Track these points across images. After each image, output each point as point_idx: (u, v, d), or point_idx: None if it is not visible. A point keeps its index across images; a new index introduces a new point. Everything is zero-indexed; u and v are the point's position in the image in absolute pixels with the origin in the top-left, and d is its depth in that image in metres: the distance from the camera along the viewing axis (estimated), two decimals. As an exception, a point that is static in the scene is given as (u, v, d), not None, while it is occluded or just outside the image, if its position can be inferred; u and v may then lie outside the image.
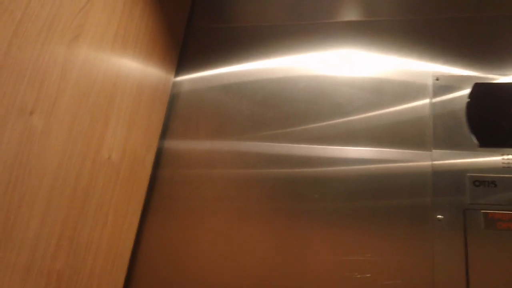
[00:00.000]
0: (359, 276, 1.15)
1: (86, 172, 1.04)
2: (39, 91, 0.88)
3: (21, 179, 0.85)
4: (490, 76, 1.26)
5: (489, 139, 1.19)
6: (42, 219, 0.91)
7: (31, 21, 0.85)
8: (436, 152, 1.22)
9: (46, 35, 0.89)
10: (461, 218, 1.13)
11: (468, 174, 1.16)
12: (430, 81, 1.30)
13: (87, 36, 1.02)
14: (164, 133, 1.44)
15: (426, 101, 1.28)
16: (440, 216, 1.14)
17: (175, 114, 1.47)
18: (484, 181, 1.14)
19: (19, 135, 0.83)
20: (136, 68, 1.24)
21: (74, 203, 1.01)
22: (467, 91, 1.26)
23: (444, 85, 1.28)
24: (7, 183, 0.82)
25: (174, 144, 1.43)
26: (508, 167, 1.15)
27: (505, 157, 1.16)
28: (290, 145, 1.33)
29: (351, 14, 1.47)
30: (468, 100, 1.24)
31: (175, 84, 1.51)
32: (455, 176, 1.18)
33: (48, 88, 0.90)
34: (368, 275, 1.15)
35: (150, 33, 1.31)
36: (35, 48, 0.86)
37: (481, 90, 1.25)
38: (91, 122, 1.05)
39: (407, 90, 1.31)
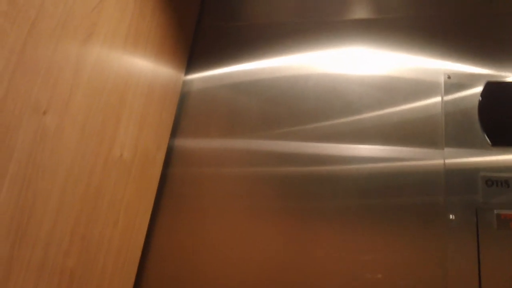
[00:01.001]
0: (370, 276, 1.15)
1: (98, 170, 1.05)
2: (53, 90, 0.88)
3: (34, 178, 0.85)
4: (503, 74, 1.25)
5: (502, 138, 1.18)
6: (55, 217, 0.92)
7: (45, 20, 0.85)
8: (448, 150, 1.21)
9: (60, 34, 0.89)
10: (474, 218, 1.12)
11: (480, 174, 1.16)
12: (441, 79, 1.29)
13: (100, 35, 1.02)
14: (175, 131, 1.45)
15: (438, 99, 1.28)
16: (452, 216, 1.14)
17: (186, 112, 1.47)
18: (496, 181, 1.13)
19: (33, 134, 0.84)
20: (147, 66, 1.24)
21: (86, 201, 1.01)
22: (479, 89, 1.25)
23: (455, 83, 1.27)
24: (21, 182, 0.82)
25: (185, 143, 1.43)
26: (521, 167, 1.14)
27: (518, 156, 1.16)
28: (300, 143, 1.33)
29: (361, 12, 1.47)
30: (480, 98, 1.23)
31: (185, 83, 1.51)
32: (468, 175, 1.17)
33: (62, 87, 0.91)
34: (379, 276, 1.15)
35: (161, 31, 1.31)
36: (49, 47, 0.87)
37: (493, 89, 1.24)
38: (103, 120, 1.06)
39: (418, 88, 1.31)
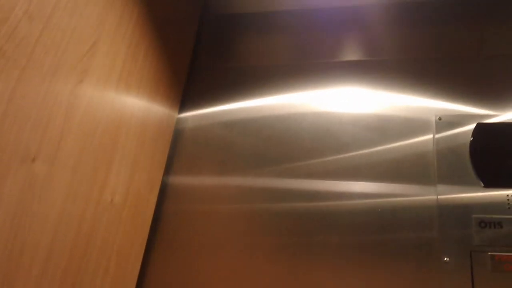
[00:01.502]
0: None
1: (88, 216, 1.04)
2: (42, 137, 0.88)
3: (22, 227, 0.84)
4: (493, 113, 1.26)
5: (494, 179, 1.18)
6: (44, 266, 0.90)
7: (35, 68, 0.85)
8: (441, 186, 1.21)
9: (50, 80, 0.89)
10: (468, 260, 1.11)
11: (473, 216, 1.15)
12: (433, 119, 1.30)
13: (91, 81, 1.02)
14: (168, 169, 1.44)
15: (430, 136, 1.28)
16: (447, 259, 1.13)
17: (179, 150, 1.47)
18: (489, 222, 1.13)
19: (21, 182, 0.83)
20: (139, 107, 1.24)
21: (76, 249, 1.00)
22: (470, 127, 1.26)
23: (447, 122, 1.28)
24: (8, 232, 0.81)
25: (178, 181, 1.42)
26: (514, 207, 1.14)
27: (510, 196, 1.15)
28: (294, 180, 1.33)
29: (354, 54, 1.49)
30: (471, 138, 1.24)
31: (179, 121, 1.52)
32: (460, 214, 1.17)
33: (52, 133, 0.90)
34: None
35: (154, 73, 1.32)
36: (38, 94, 0.87)
37: (483, 130, 1.25)
38: (94, 164, 1.05)
39: (410, 127, 1.32)
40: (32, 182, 0.86)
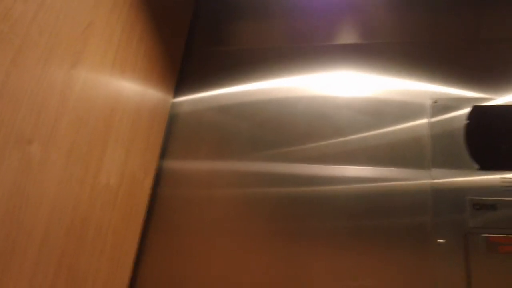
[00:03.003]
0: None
1: (84, 198, 1.04)
2: (37, 119, 0.87)
3: (18, 208, 0.84)
4: (488, 97, 1.26)
5: (488, 161, 1.19)
6: (40, 248, 0.90)
7: (29, 49, 0.85)
8: (435, 170, 1.22)
9: (45, 62, 0.89)
10: (463, 242, 1.12)
11: (468, 198, 1.16)
12: (428, 102, 1.30)
13: (86, 63, 1.01)
14: (163, 153, 1.44)
15: (425, 120, 1.28)
16: (441, 240, 1.14)
17: (175, 134, 1.46)
18: (484, 205, 1.14)
19: (17, 164, 0.83)
20: (134, 91, 1.24)
21: (72, 230, 1.00)
22: (465, 111, 1.26)
23: (442, 105, 1.28)
24: (4, 213, 0.81)
25: (174, 165, 1.42)
26: (508, 190, 1.14)
27: (504, 179, 1.16)
28: (289, 164, 1.33)
29: (349, 37, 1.48)
30: (466, 121, 1.24)
31: (174, 105, 1.51)
32: (455, 197, 1.17)
33: (47, 116, 0.90)
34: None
35: (149, 57, 1.31)
36: (33, 76, 0.86)
37: (479, 113, 1.25)
38: (89, 147, 1.05)
39: (405, 110, 1.32)
40: (27, 164, 0.86)
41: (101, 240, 1.11)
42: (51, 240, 0.93)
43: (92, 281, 1.08)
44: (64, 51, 0.94)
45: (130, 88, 1.21)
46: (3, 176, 0.80)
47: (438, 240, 1.14)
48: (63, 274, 0.97)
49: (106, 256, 1.13)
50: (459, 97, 1.29)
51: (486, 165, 1.18)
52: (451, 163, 1.21)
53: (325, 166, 1.30)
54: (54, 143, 0.93)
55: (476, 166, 1.19)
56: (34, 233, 0.89)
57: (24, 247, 0.86)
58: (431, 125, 1.27)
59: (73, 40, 0.97)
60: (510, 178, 1.16)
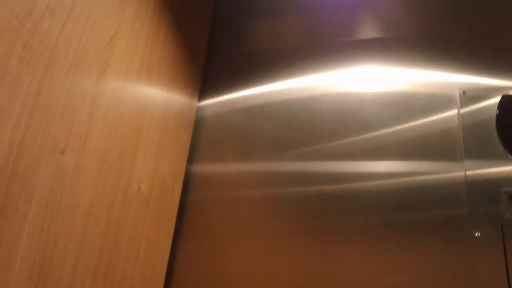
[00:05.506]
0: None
1: (117, 205, 1.05)
2: (70, 129, 0.89)
3: (55, 218, 0.86)
4: (518, 85, 1.24)
5: (522, 151, 1.17)
6: (77, 256, 0.92)
7: (59, 61, 0.86)
8: (468, 162, 1.20)
9: (74, 73, 0.90)
10: (500, 235, 1.10)
11: (503, 189, 1.14)
12: (456, 93, 1.28)
13: (114, 71, 1.03)
14: (191, 157, 1.45)
15: (454, 112, 1.26)
16: (478, 233, 1.12)
17: (201, 138, 1.47)
18: (520, 196, 1.12)
19: (51, 174, 0.84)
20: (161, 97, 1.25)
21: (107, 237, 1.01)
22: (495, 100, 1.23)
23: (471, 96, 1.26)
24: (42, 224, 0.82)
25: (202, 168, 1.43)
26: (544, 180, 1.12)
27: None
28: (318, 162, 1.32)
29: (371, 32, 1.47)
30: (497, 111, 1.22)
31: (199, 109, 1.52)
32: (490, 189, 1.15)
33: (78, 125, 0.91)
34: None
35: (173, 61, 1.32)
36: (64, 87, 0.87)
37: (509, 102, 1.22)
38: (120, 155, 1.06)
39: (433, 102, 1.30)
40: (62, 174, 0.87)
41: (135, 246, 1.12)
42: (87, 248, 0.95)
43: (128, 286, 1.09)
44: (92, 61, 0.95)
45: (156, 94, 1.23)
46: (40, 187, 0.82)
47: (475, 233, 1.12)
48: (99, 282, 0.99)
49: (140, 262, 1.14)
50: (488, 87, 1.26)
51: (520, 155, 1.16)
52: (484, 154, 1.19)
53: (355, 162, 1.29)
54: (87, 152, 0.94)
55: (510, 156, 1.17)
56: (71, 240, 0.90)
57: (62, 255, 0.88)
58: (461, 116, 1.25)
59: (100, 50, 0.98)
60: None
